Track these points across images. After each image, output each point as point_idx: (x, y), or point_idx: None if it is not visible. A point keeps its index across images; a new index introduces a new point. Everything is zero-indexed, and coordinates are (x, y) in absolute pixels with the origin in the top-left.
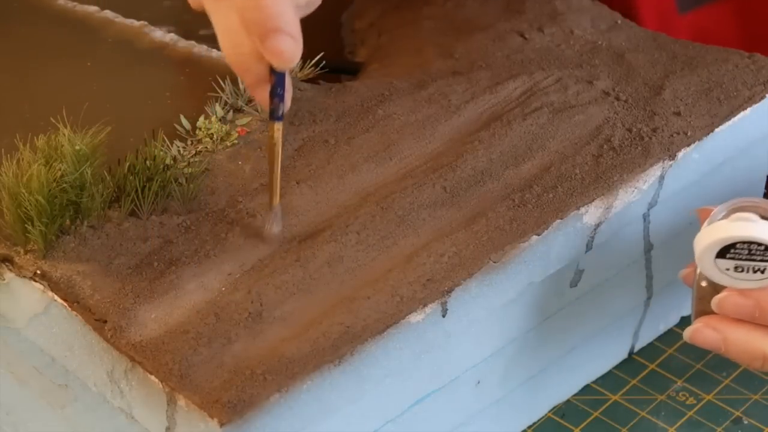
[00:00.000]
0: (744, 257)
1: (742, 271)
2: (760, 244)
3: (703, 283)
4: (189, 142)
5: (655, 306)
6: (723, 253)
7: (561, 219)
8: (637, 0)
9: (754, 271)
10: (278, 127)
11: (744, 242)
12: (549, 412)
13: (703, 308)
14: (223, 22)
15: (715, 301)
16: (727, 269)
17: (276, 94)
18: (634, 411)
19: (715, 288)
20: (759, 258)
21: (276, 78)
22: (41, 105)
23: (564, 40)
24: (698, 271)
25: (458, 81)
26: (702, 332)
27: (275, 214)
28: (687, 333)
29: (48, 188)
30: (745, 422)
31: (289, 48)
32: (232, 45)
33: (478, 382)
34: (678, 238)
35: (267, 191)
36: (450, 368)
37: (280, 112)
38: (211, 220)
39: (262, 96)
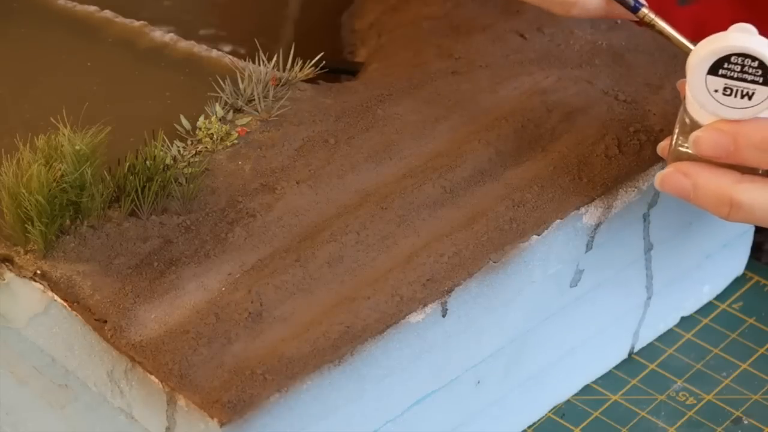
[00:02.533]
0: (736, 75)
1: (731, 94)
2: (754, 59)
3: (687, 120)
4: (189, 142)
5: (655, 306)
6: (716, 68)
7: (561, 219)
8: None
9: (742, 96)
10: (643, 13)
11: (739, 55)
12: (549, 412)
13: (677, 155)
14: None
15: (693, 138)
16: (716, 90)
17: None
18: (634, 411)
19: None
20: (750, 78)
21: None
22: (41, 105)
23: (564, 40)
24: (683, 106)
25: (458, 81)
26: (672, 177)
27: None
28: (657, 179)
29: (48, 188)
30: (745, 422)
31: None
32: None
33: (478, 382)
34: (678, 238)
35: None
36: (450, 368)
37: (632, 3)
38: (211, 220)
39: (619, 11)
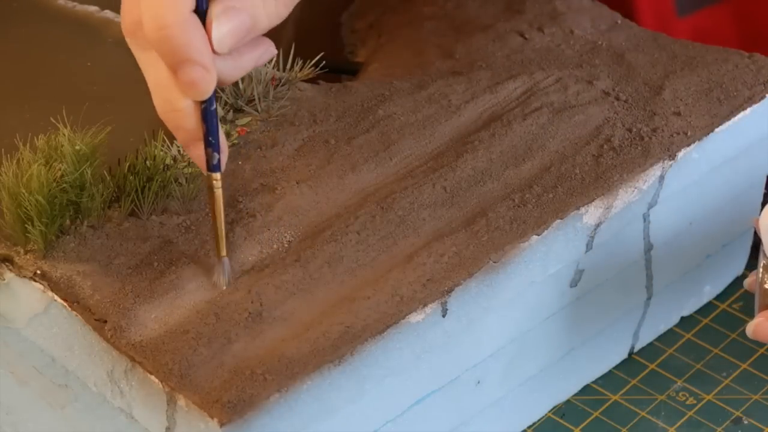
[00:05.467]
0: None
1: None
2: None
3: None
4: None
5: (655, 306)
6: None
7: (561, 219)
8: (636, 3)
9: None
10: (216, 177)
11: None
12: (549, 412)
13: (765, 295)
14: (153, 76)
15: None
16: None
17: (209, 144)
18: (634, 411)
19: None
20: None
21: (207, 127)
22: (41, 105)
23: (564, 40)
24: (763, 263)
25: (458, 81)
26: (764, 326)
27: (224, 266)
28: (749, 328)
29: (48, 188)
30: (745, 422)
31: (200, 78)
32: (163, 101)
33: (478, 382)
34: (678, 238)
35: (214, 245)
36: (450, 368)
37: (215, 161)
38: (211, 220)
39: (197, 153)
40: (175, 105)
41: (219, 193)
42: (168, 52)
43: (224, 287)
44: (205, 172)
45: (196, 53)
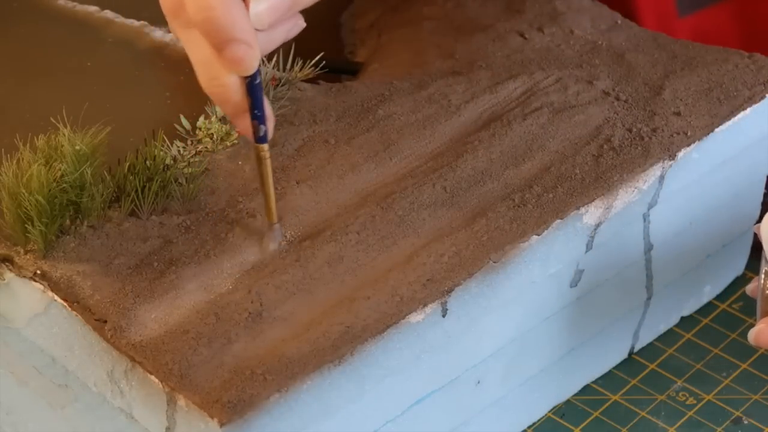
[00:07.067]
0: None
1: None
2: None
3: None
4: (189, 142)
5: (655, 306)
6: None
7: (561, 219)
8: (637, 4)
9: None
10: (264, 148)
11: None
12: (549, 412)
13: (766, 300)
14: (197, 53)
15: None
16: None
17: (254, 116)
18: (634, 411)
19: None
20: None
21: (252, 101)
22: (41, 105)
23: (564, 40)
24: (765, 269)
25: (458, 81)
26: (766, 333)
27: (275, 232)
28: (751, 335)
29: (48, 188)
30: (745, 422)
31: (245, 55)
32: (209, 77)
33: (478, 382)
34: (678, 238)
35: (265, 211)
36: (450, 368)
37: (261, 133)
38: (211, 220)
39: (244, 125)
40: (221, 81)
41: (268, 162)
42: (212, 33)
43: (273, 249)
44: (253, 143)
45: (239, 32)
